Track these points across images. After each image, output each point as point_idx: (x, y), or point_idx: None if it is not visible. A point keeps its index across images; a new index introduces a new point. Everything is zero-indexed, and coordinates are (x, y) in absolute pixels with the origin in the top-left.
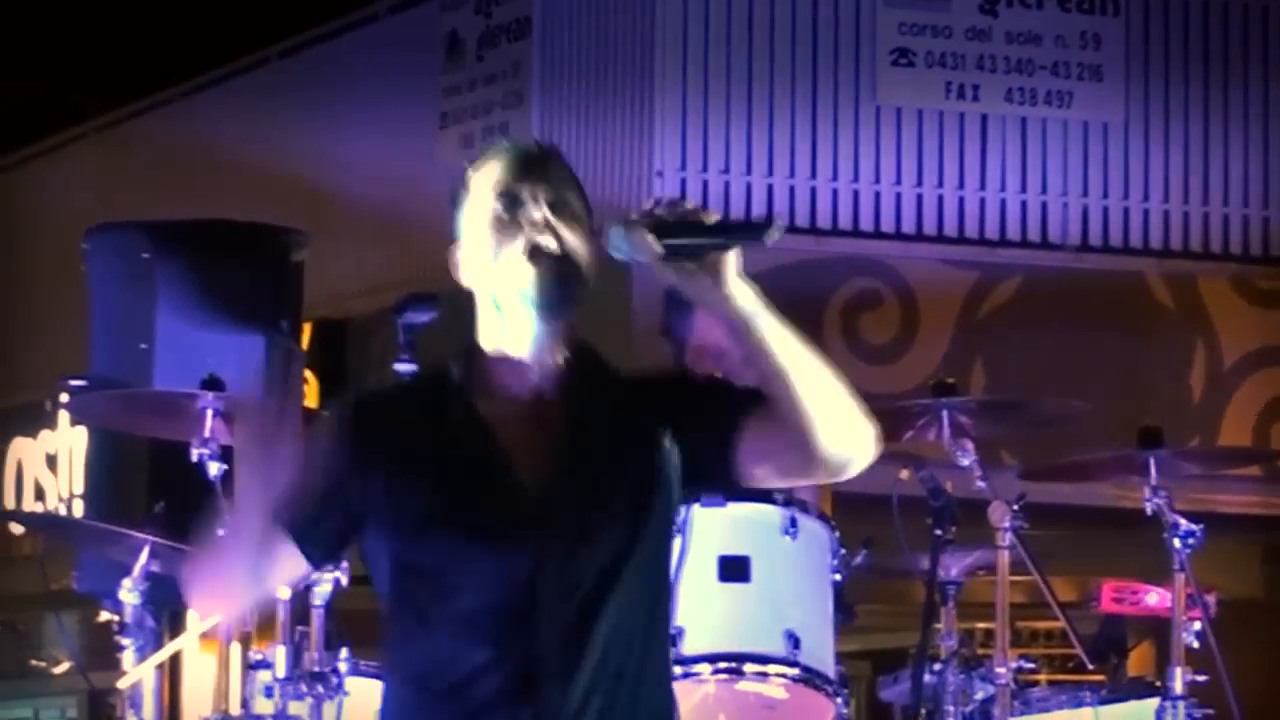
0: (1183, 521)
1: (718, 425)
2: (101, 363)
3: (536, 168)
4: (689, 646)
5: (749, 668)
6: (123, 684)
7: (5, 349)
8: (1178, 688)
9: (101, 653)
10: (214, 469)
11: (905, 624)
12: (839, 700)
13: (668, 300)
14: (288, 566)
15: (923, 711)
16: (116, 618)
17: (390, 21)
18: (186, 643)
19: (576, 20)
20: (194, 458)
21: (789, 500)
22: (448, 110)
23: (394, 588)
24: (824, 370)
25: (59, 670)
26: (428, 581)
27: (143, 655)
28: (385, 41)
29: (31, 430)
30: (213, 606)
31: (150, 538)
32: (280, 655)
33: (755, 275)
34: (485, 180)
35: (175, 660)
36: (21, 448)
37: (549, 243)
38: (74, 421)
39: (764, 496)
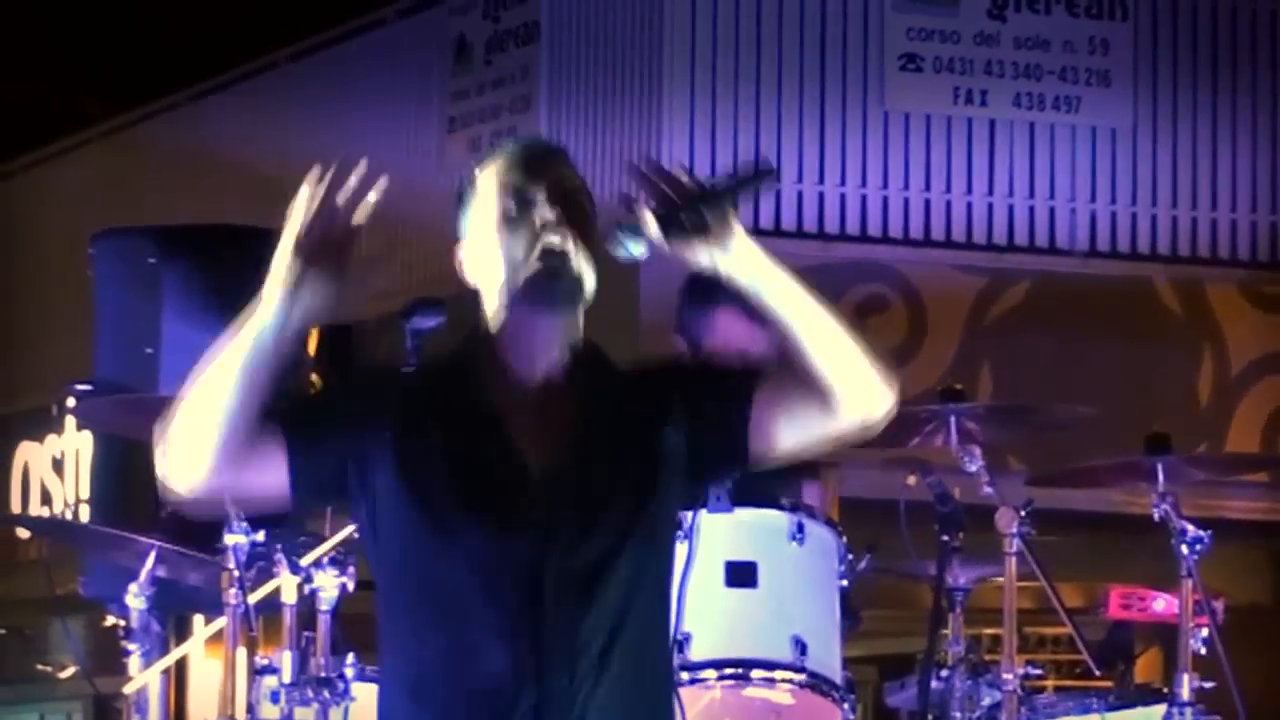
0: (1190, 527)
1: (732, 397)
2: (107, 367)
3: (544, 166)
4: (695, 652)
5: (756, 673)
6: (128, 689)
7: (11, 353)
8: (1185, 694)
9: (107, 658)
10: None
11: (912, 629)
12: (846, 706)
13: (683, 298)
14: (266, 472)
15: (930, 717)
16: (122, 623)
17: (398, 26)
18: (192, 648)
19: (584, 25)
20: None
21: (796, 506)
22: (455, 115)
23: (397, 566)
24: (839, 325)
25: (64, 675)
26: (432, 563)
27: (148, 660)
28: (393, 46)
29: (38, 435)
30: (178, 470)
31: (156, 543)
32: (286, 660)
33: None
34: (493, 178)
35: (181, 665)
36: (28, 452)
37: (558, 241)
38: (80, 426)
39: (771, 502)
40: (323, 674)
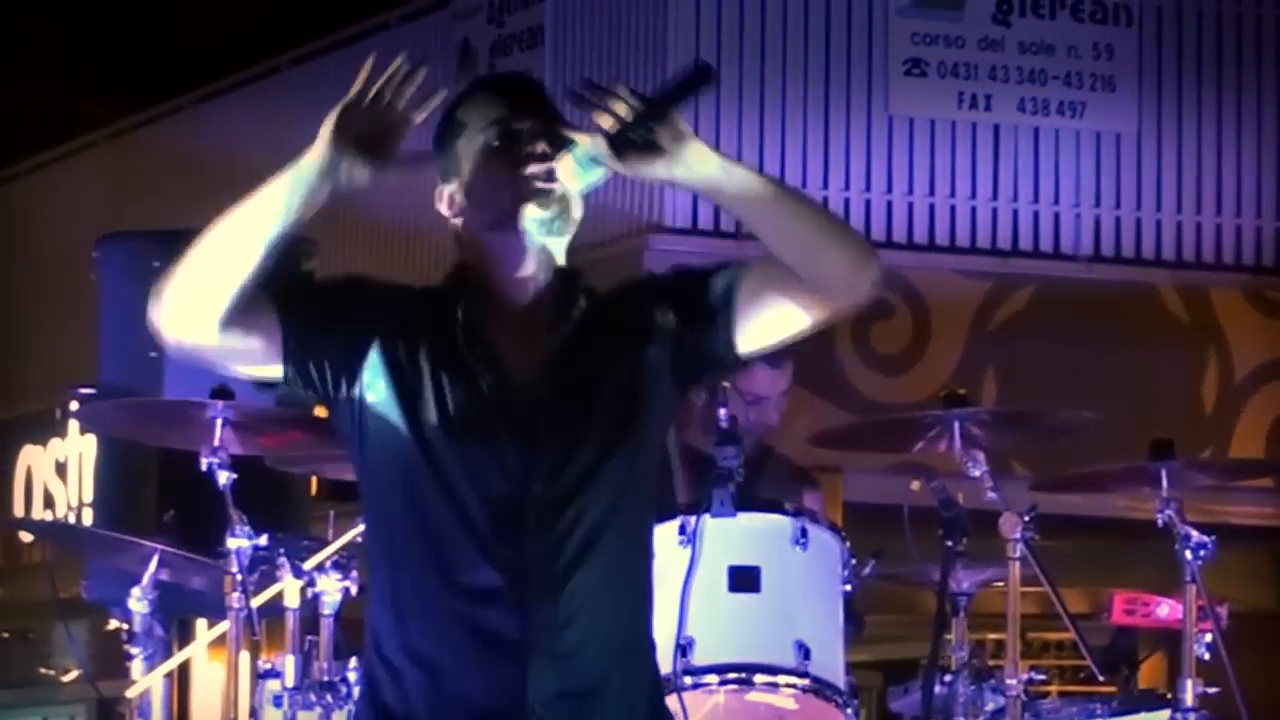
0: (1194, 533)
1: (713, 300)
2: (111, 371)
3: (526, 99)
4: (699, 656)
5: (759, 678)
6: (131, 693)
7: (15, 356)
8: (1189, 700)
9: (110, 661)
10: (223, 478)
11: (916, 634)
12: (849, 711)
13: None
14: (254, 339)
15: None
16: (125, 626)
17: (402, 30)
18: (195, 652)
19: (588, 29)
20: (203, 467)
21: (799, 511)
22: None
23: (382, 479)
24: (813, 210)
25: (67, 679)
26: (415, 478)
27: (151, 664)
28: (397, 50)
29: (41, 438)
30: (172, 318)
31: (159, 546)
32: (289, 664)
33: None
34: (477, 114)
35: (184, 669)
36: (31, 456)
37: (545, 173)
38: (83, 430)
39: (774, 507)
40: (325, 678)
